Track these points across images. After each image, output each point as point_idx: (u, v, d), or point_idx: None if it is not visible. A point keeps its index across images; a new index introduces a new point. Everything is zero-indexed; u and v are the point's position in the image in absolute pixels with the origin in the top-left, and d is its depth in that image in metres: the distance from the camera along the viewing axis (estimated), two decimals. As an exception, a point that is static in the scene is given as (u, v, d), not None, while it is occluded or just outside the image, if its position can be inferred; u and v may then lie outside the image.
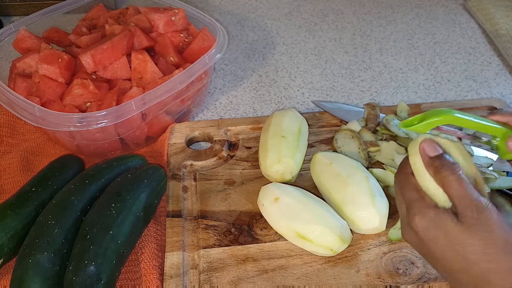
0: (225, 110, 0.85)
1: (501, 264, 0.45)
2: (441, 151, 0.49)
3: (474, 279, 0.47)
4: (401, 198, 0.51)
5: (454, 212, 0.47)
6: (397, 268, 0.59)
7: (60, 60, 0.71)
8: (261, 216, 0.63)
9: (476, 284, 0.47)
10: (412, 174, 0.51)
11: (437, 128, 0.50)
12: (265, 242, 0.61)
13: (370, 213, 0.59)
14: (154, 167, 0.68)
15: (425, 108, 0.81)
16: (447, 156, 0.49)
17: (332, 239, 0.57)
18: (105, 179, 0.64)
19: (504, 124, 0.53)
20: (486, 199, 0.47)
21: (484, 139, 0.55)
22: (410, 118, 0.51)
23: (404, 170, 0.52)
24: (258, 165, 0.70)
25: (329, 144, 0.75)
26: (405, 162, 0.52)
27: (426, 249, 0.49)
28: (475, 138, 0.55)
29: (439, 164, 0.48)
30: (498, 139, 0.53)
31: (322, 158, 0.65)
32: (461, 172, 0.48)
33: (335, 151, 0.71)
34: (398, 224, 0.61)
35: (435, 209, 0.48)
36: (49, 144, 0.76)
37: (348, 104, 0.84)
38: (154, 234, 0.63)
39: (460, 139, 0.51)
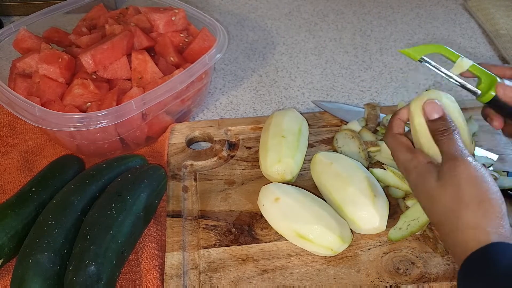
0: (225, 110, 0.85)
1: (466, 221, 0.45)
2: (442, 113, 0.52)
3: (446, 237, 0.48)
4: (396, 159, 0.55)
5: (438, 169, 0.49)
6: (398, 268, 0.59)
7: (60, 60, 0.71)
8: (262, 216, 0.63)
9: (447, 241, 0.48)
10: (400, 134, 0.55)
11: None
12: (265, 242, 0.61)
13: (370, 213, 0.59)
14: (154, 167, 0.68)
15: None
16: (448, 118, 0.52)
17: (332, 239, 0.57)
18: (105, 179, 0.64)
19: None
20: (470, 156, 0.49)
21: (469, 86, 0.60)
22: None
23: (392, 131, 0.56)
24: (258, 165, 0.70)
25: (329, 144, 0.75)
26: (393, 122, 0.56)
27: (423, 205, 0.52)
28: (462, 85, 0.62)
29: (440, 126, 0.52)
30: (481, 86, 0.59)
31: (323, 158, 0.65)
32: (457, 134, 0.51)
33: (335, 151, 0.71)
34: (398, 224, 0.61)
35: (423, 167, 0.50)
36: (49, 144, 0.76)
37: (348, 104, 0.84)
38: (154, 234, 0.63)
39: None
